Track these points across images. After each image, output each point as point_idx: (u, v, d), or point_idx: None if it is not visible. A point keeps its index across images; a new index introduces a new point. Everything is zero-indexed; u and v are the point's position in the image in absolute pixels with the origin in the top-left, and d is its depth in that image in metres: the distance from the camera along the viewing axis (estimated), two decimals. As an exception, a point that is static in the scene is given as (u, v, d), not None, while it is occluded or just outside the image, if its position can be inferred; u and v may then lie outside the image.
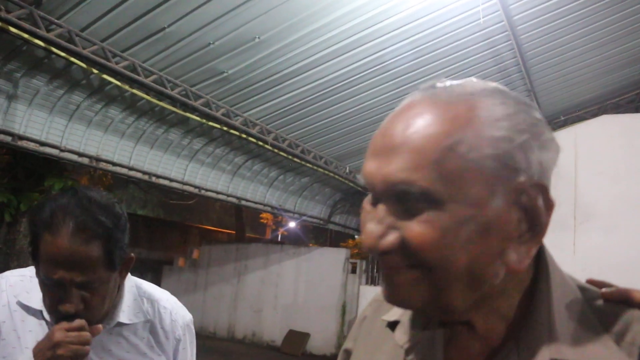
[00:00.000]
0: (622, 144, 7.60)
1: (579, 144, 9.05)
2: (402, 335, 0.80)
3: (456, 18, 6.29)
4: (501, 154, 0.61)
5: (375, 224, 0.64)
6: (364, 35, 6.37)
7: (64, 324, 1.25)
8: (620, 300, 0.69)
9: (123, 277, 1.43)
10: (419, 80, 7.58)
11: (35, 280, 1.40)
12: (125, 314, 1.45)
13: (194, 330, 1.66)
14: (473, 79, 0.69)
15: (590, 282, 0.75)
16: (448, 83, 0.67)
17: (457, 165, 0.60)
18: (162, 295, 1.59)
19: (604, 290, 0.71)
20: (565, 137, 9.02)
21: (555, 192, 0.66)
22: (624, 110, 9.87)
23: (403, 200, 0.62)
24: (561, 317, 0.67)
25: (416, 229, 0.61)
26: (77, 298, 1.26)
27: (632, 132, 7.61)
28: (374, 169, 0.65)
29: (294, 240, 23.21)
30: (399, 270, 0.65)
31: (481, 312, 0.68)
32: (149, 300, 1.54)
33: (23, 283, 1.42)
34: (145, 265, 15.37)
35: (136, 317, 1.47)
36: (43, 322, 1.39)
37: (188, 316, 1.63)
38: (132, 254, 1.40)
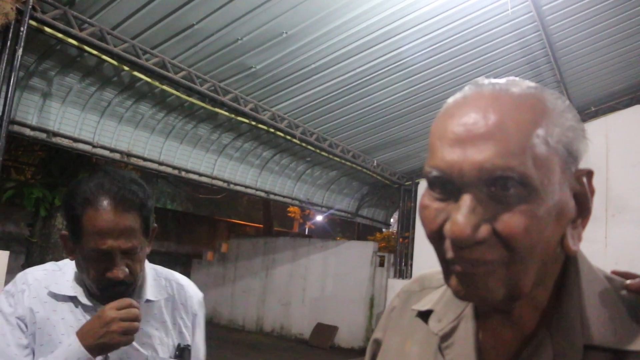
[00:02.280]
0: (656, 135, 7.45)
1: (610, 135, 8.90)
2: (436, 324, 0.82)
3: (485, 9, 6.24)
4: (567, 142, 0.66)
5: (468, 215, 0.63)
6: (390, 29, 6.35)
7: (114, 303, 1.35)
8: None
9: (150, 247, 1.52)
10: (447, 73, 7.53)
11: (59, 272, 1.50)
12: (150, 291, 1.55)
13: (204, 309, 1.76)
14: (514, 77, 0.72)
15: (614, 273, 0.77)
16: (500, 80, 0.70)
17: (544, 152, 0.63)
18: (176, 275, 1.70)
19: (629, 281, 0.73)
20: (596, 128, 8.89)
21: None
22: (658, 100, 9.63)
23: (498, 187, 0.63)
24: (591, 305, 0.69)
25: (515, 218, 0.62)
26: (123, 264, 1.37)
27: (666, 122, 7.46)
28: (461, 157, 0.64)
29: (322, 234, 23.16)
30: (485, 265, 0.64)
31: (521, 301, 0.70)
32: (166, 280, 1.64)
33: (48, 276, 1.50)
34: (175, 259, 15.55)
35: (160, 294, 1.57)
36: (74, 307, 1.46)
37: (200, 293, 1.73)
38: (155, 224, 1.52)
